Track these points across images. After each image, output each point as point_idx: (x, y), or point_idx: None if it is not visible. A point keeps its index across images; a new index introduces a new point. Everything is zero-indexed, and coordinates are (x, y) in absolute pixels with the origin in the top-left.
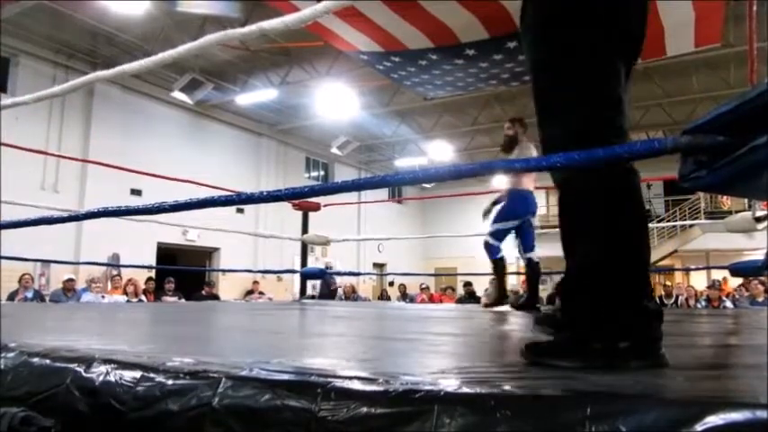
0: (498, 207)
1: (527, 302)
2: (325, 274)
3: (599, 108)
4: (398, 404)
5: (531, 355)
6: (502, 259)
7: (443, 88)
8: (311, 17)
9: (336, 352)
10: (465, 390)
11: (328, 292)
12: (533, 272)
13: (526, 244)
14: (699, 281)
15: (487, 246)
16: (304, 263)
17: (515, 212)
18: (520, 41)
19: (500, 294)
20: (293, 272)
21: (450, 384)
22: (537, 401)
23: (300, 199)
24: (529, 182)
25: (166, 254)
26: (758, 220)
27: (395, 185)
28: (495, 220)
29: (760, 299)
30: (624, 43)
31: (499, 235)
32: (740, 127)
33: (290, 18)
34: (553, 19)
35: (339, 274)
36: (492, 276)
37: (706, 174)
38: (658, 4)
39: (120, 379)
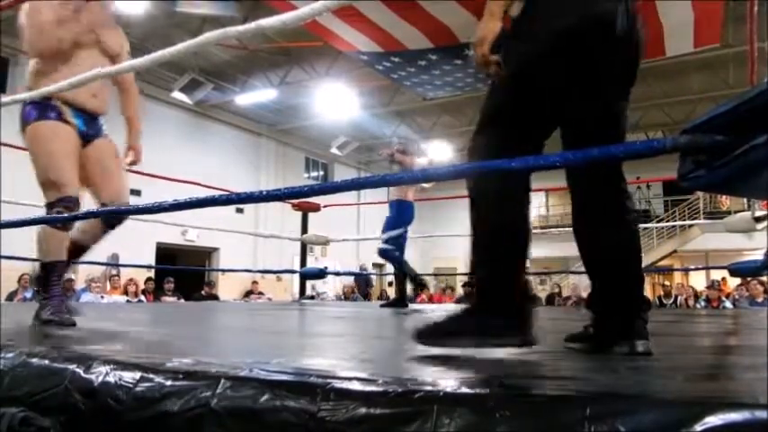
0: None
1: (396, 301)
2: (361, 275)
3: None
4: (398, 404)
5: (419, 338)
6: (405, 262)
7: (443, 88)
8: (310, 15)
9: (336, 352)
10: (464, 390)
11: (366, 293)
12: (403, 273)
13: (401, 248)
14: (698, 281)
15: (385, 253)
16: (303, 263)
17: (403, 221)
18: None
19: (402, 296)
20: (293, 272)
21: (449, 384)
22: (536, 402)
23: (300, 198)
24: (411, 194)
25: (166, 254)
26: (757, 220)
27: (395, 185)
28: (386, 229)
29: (759, 299)
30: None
31: (391, 242)
32: (739, 126)
33: (288, 16)
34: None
35: (338, 274)
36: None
37: (705, 173)
38: (658, 5)
39: (120, 379)
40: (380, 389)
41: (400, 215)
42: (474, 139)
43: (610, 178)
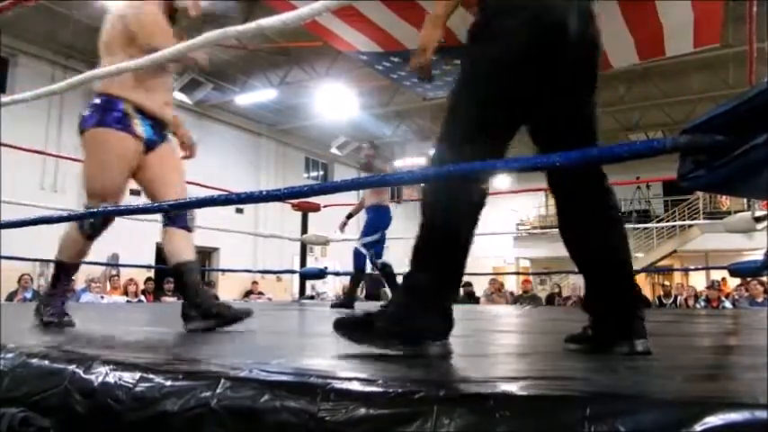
0: (355, 220)
1: (346, 301)
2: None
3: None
4: (398, 405)
5: (337, 328)
6: (364, 270)
7: (442, 88)
8: (310, 15)
9: (335, 352)
10: (464, 390)
11: (377, 293)
12: (389, 273)
13: (380, 252)
14: (698, 281)
15: (358, 255)
16: (303, 263)
17: (383, 224)
18: None
19: (351, 297)
20: (292, 272)
21: (449, 385)
22: (536, 402)
23: (299, 198)
24: (387, 197)
25: None
26: (757, 220)
27: (395, 185)
28: (366, 234)
29: (759, 299)
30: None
31: (369, 246)
32: (739, 126)
33: (288, 16)
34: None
35: (338, 274)
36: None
37: (705, 173)
38: (658, 5)
39: (119, 380)
40: (380, 389)
41: (379, 220)
42: (440, 144)
43: (592, 178)
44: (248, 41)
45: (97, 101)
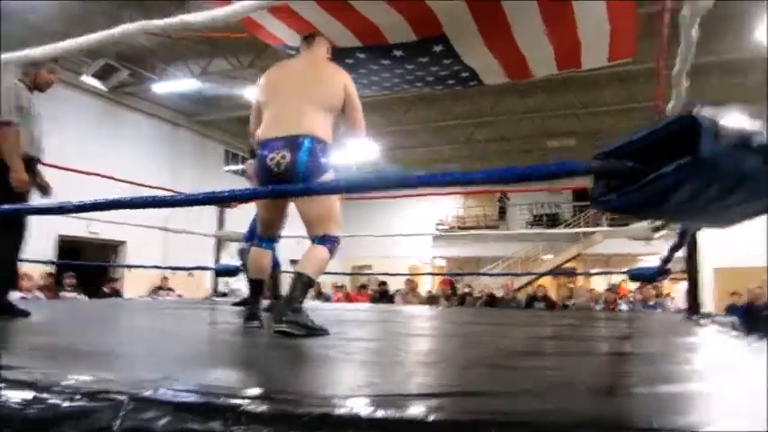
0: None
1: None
2: None
3: None
4: (314, 428)
5: None
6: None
7: (369, 87)
8: (241, 13)
9: (249, 367)
10: (382, 413)
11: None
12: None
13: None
14: (599, 283)
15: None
16: (219, 259)
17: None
18: (445, 45)
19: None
20: (206, 269)
21: (365, 406)
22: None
23: (244, 201)
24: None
25: (69, 247)
26: (655, 229)
27: (334, 193)
28: (249, 237)
29: (651, 302)
30: None
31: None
32: (649, 154)
33: (218, 12)
34: None
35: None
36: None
37: (615, 197)
38: (576, 18)
39: (8, 401)
40: (295, 411)
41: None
42: None
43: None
44: (171, 29)
45: (320, 146)
